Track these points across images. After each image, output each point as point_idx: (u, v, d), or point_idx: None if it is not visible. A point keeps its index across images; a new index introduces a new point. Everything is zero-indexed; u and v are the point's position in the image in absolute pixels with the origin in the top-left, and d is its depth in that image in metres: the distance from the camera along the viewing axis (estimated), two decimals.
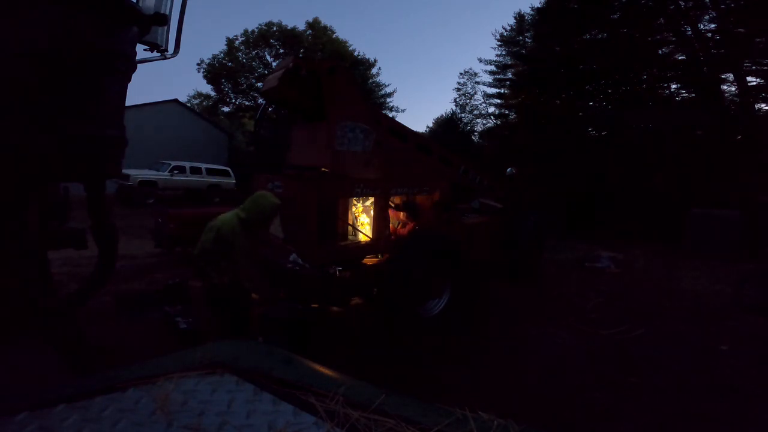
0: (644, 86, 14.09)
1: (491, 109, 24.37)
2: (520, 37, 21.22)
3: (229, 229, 2.84)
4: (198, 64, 25.46)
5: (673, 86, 13.85)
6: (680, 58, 13.27)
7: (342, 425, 0.66)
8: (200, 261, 2.92)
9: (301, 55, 22.88)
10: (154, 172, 15.18)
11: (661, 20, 13.08)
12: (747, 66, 11.69)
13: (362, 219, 4.30)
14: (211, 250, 2.85)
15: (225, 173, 16.93)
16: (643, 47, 12.95)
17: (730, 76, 12.16)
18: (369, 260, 4.19)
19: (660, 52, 13.44)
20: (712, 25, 12.29)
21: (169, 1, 2.13)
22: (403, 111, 42.37)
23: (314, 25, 26.36)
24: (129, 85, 2.02)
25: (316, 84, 3.74)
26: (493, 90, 23.46)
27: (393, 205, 4.49)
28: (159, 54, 2.27)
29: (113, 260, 2.24)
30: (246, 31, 25.23)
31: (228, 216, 2.93)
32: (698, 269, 7.20)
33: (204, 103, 28.62)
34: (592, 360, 3.64)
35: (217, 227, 2.86)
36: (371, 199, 4.14)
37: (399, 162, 4.27)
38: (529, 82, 16.72)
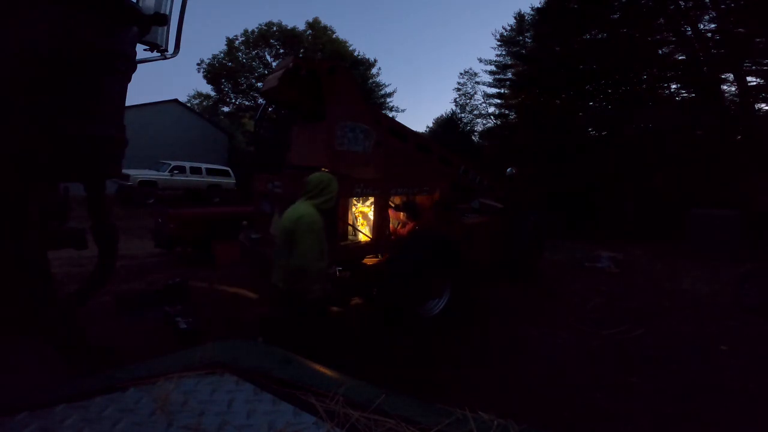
0: (644, 86, 14.10)
1: (491, 109, 24.37)
2: (520, 37, 21.20)
3: (319, 225, 2.48)
4: (198, 64, 25.49)
5: (673, 86, 13.90)
6: (680, 58, 13.28)
7: (342, 425, 0.66)
8: (296, 279, 2.42)
9: (301, 55, 22.88)
10: (154, 172, 15.18)
11: (661, 20, 13.09)
12: (747, 66, 11.69)
13: (362, 219, 4.30)
14: (315, 261, 2.41)
15: (225, 173, 16.94)
16: (643, 47, 12.95)
17: (730, 76, 12.18)
18: (369, 260, 4.19)
19: (660, 52, 13.45)
20: (712, 25, 12.32)
21: (169, 1, 2.14)
22: (403, 111, 42.49)
23: (314, 25, 26.35)
24: (129, 85, 2.02)
25: (316, 84, 3.74)
26: (493, 90, 23.44)
27: (393, 205, 4.49)
28: (159, 54, 2.27)
29: (113, 260, 2.24)
30: (246, 31, 25.26)
31: (307, 211, 2.49)
32: (698, 269, 7.20)
33: (204, 103, 28.66)
34: (592, 360, 3.64)
35: (313, 228, 2.43)
36: (371, 199, 4.14)
37: (399, 162, 4.27)
38: (529, 82, 16.71)
